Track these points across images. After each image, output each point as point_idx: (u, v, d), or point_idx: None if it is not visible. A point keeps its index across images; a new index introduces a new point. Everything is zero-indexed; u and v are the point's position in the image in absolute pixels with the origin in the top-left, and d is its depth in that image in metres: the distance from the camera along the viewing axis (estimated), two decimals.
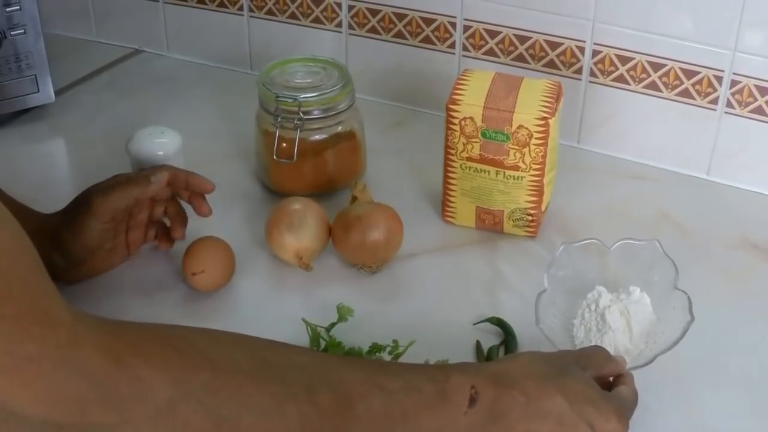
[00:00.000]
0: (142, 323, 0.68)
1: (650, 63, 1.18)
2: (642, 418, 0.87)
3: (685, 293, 0.90)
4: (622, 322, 0.91)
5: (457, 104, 1.04)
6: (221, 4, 1.44)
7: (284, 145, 1.12)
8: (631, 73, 1.20)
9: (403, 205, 1.08)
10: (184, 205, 1.05)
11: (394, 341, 0.91)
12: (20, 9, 1.23)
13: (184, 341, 0.66)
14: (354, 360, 0.84)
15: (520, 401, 0.73)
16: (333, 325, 0.93)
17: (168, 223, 1.06)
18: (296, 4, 1.37)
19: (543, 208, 1.08)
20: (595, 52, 1.21)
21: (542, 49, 1.23)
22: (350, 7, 1.34)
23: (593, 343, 0.89)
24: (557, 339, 0.89)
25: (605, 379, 0.82)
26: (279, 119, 1.11)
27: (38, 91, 1.30)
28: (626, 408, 0.78)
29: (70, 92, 1.41)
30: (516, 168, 1.05)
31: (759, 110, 1.14)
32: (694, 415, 0.88)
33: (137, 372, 0.62)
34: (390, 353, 0.90)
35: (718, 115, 1.17)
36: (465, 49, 1.29)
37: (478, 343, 0.95)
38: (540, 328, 0.88)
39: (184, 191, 1.04)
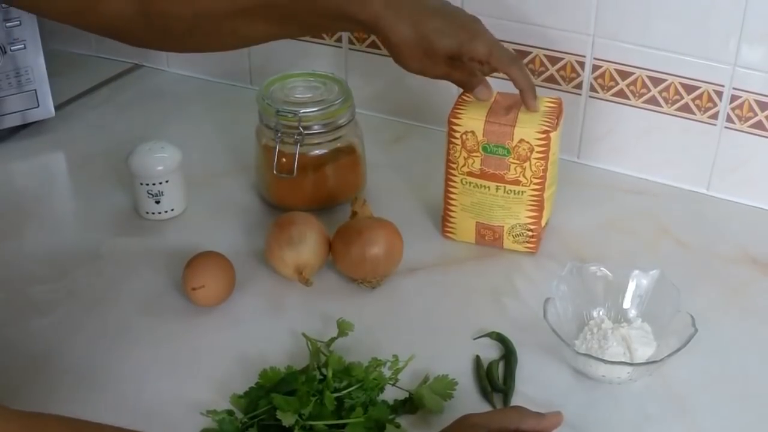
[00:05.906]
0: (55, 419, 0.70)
1: (650, 78, 1.18)
2: (644, 430, 0.87)
3: (689, 314, 0.91)
4: (623, 345, 0.92)
5: (459, 118, 1.04)
6: None
7: (284, 159, 1.12)
8: (631, 87, 1.20)
9: (403, 220, 1.08)
10: None
11: (394, 356, 0.91)
12: (20, 24, 1.24)
13: None
14: None
15: None
16: (333, 340, 0.93)
17: None
18: None
19: (543, 224, 1.08)
20: (595, 67, 1.21)
21: (542, 64, 1.23)
22: None
23: (593, 366, 0.90)
24: (563, 334, 0.91)
25: None
26: (279, 134, 1.11)
27: (38, 106, 1.30)
28: None
29: (69, 107, 1.41)
30: (517, 183, 1.05)
31: (759, 125, 1.14)
32: (694, 428, 0.88)
33: None
34: (390, 368, 0.90)
35: (718, 130, 1.17)
36: None
37: (477, 358, 0.95)
38: (546, 320, 0.90)
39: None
